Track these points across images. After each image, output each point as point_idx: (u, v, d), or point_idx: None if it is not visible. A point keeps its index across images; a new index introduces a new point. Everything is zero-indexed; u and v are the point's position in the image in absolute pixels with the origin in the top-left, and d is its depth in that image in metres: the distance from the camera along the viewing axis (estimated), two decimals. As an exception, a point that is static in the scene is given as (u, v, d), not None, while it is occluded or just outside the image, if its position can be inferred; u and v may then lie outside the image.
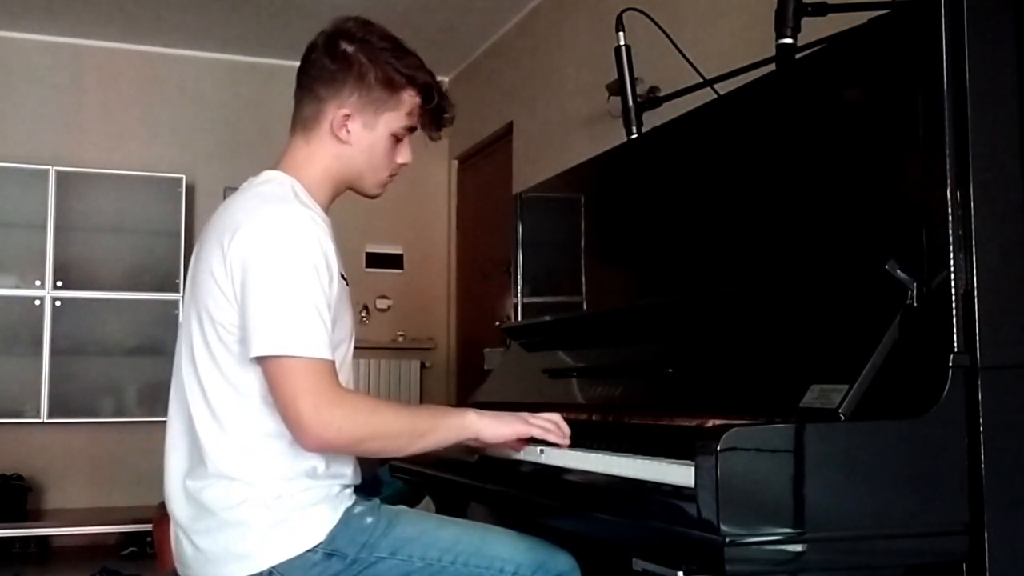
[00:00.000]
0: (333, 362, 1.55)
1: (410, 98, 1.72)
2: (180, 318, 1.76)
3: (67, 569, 4.96)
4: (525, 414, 1.69)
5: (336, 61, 1.69)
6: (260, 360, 1.54)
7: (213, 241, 1.62)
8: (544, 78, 4.84)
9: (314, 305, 1.54)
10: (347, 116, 1.69)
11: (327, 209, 1.74)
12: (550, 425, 1.68)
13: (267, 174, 1.72)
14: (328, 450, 1.59)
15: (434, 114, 1.76)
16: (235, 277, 1.57)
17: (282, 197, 1.64)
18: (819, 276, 1.61)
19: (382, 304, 6.05)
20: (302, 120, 1.73)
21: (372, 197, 1.82)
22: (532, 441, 1.72)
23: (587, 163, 2.48)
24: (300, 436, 1.52)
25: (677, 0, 3.36)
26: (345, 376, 1.68)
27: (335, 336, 1.60)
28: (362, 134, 1.71)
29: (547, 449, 1.68)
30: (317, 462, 1.60)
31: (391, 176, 1.79)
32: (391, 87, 1.70)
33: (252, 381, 1.58)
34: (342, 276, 1.67)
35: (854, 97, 1.60)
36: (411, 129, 1.75)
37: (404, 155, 1.77)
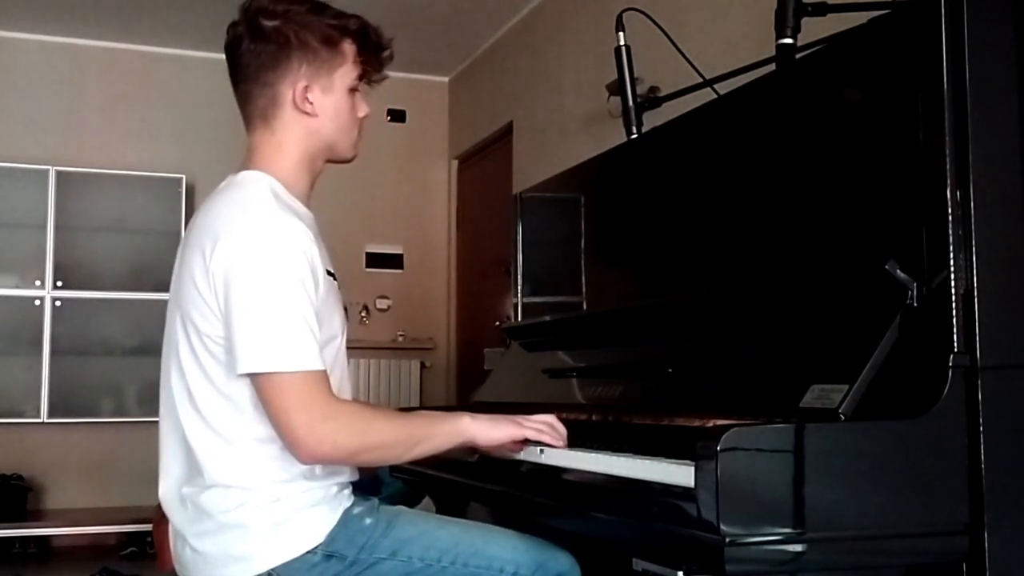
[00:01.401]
0: (324, 372, 1.53)
1: (350, 47, 1.70)
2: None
3: (67, 569, 4.96)
4: (519, 417, 1.69)
5: (270, 42, 1.65)
6: (250, 375, 1.52)
7: (194, 248, 1.59)
8: (544, 78, 4.84)
9: (301, 317, 1.52)
10: (306, 87, 1.67)
11: (309, 195, 1.72)
12: (544, 427, 1.68)
13: (243, 175, 1.67)
14: (324, 463, 1.58)
15: (374, 53, 1.74)
16: (218, 291, 1.54)
17: (262, 201, 1.59)
18: (819, 276, 1.61)
19: (382, 304, 6.05)
20: (259, 112, 1.69)
21: (348, 161, 1.79)
22: (531, 441, 1.73)
23: (587, 163, 2.48)
24: (296, 451, 1.52)
25: (677, 0, 3.36)
26: (340, 373, 1.67)
27: (325, 334, 1.58)
28: (324, 100, 1.68)
29: (547, 449, 1.68)
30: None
31: (359, 133, 1.77)
32: (331, 43, 1.68)
33: (242, 390, 1.56)
34: (329, 273, 1.66)
35: (854, 97, 1.60)
36: (361, 78, 1.73)
37: (362, 108, 1.75)
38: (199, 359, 1.58)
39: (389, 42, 1.75)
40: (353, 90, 1.72)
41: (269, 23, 1.65)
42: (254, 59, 1.66)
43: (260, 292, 1.51)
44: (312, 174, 1.74)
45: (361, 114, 1.75)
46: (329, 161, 1.76)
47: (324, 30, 1.67)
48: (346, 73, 1.70)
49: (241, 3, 1.68)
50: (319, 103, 1.68)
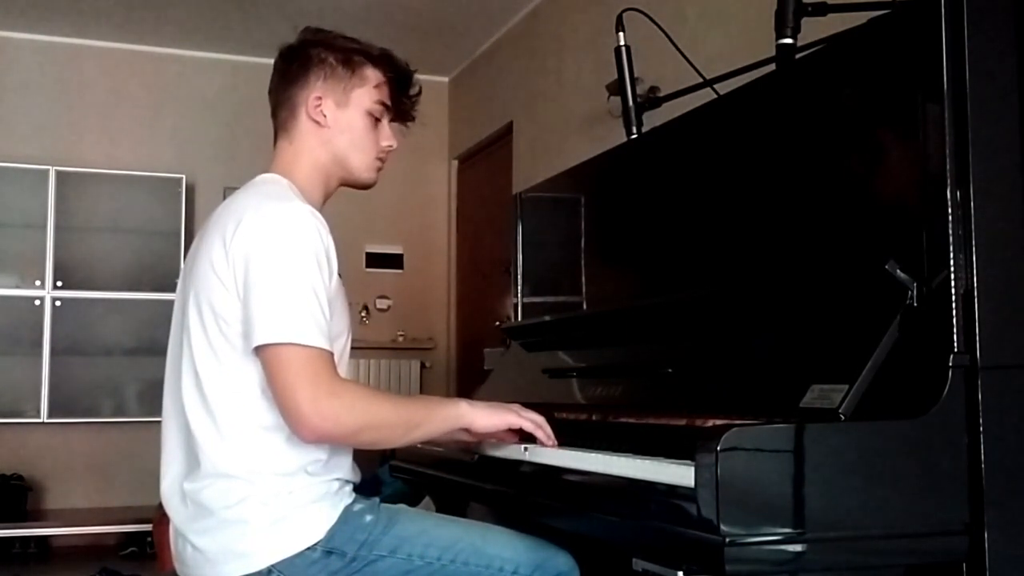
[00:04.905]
0: (331, 353, 1.56)
1: (373, 73, 1.79)
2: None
3: (67, 569, 4.96)
4: (516, 406, 1.73)
5: (295, 60, 1.78)
6: (259, 349, 1.54)
7: (214, 234, 1.64)
8: (544, 78, 4.84)
9: (314, 295, 1.56)
10: (318, 98, 1.76)
11: (320, 208, 1.76)
12: (540, 419, 1.71)
13: (262, 176, 1.76)
14: (325, 441, 1.59)
15: (399, 85, 1.82)
16: (237, 269, 1.58)
17: (282, 195, 1.67)
18: (819, 276, 1.61)
19: (382, 304, 6.05)
20: (281, 124, 1.80)
21: (366, 186, 1.85)
22: (523, 438, 1.73)
23: (587, 163, 2.48)
24: (298, 427, 1.53)
25: (677, 0, 3.36)
26: (342, 373, 1.68)
27: (333, 328, 1.61)
28: (337, 113, 1.77)
29: (543, 449, 1.68)
30: (316, 456, 1.61)
31: (380, 160, 1.83)
32: (351, 64, 1.77)
33: (252, 373, 1.58)
34: (338, 274, 1.69)
35: (854, 97, 1.60)
36: (385, 106, 1.80)
37: (387, 137, 1.82)
38: (212, 343, 1.61)
39: (414, 77, 1.85)
40: (375, 117, 1.79)
41: (299, 47, 1.80)
42: (283, 76, 1.80)
43: (278, 269, 1.56)
44: (325, 189, 1.81)
45: (384, 143, 1.82)
46: (346, 184, 1.83)
47: (345, 52, 1.78)
48: (364, 95, 1.78)
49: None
50: (331, 115, 1.76)
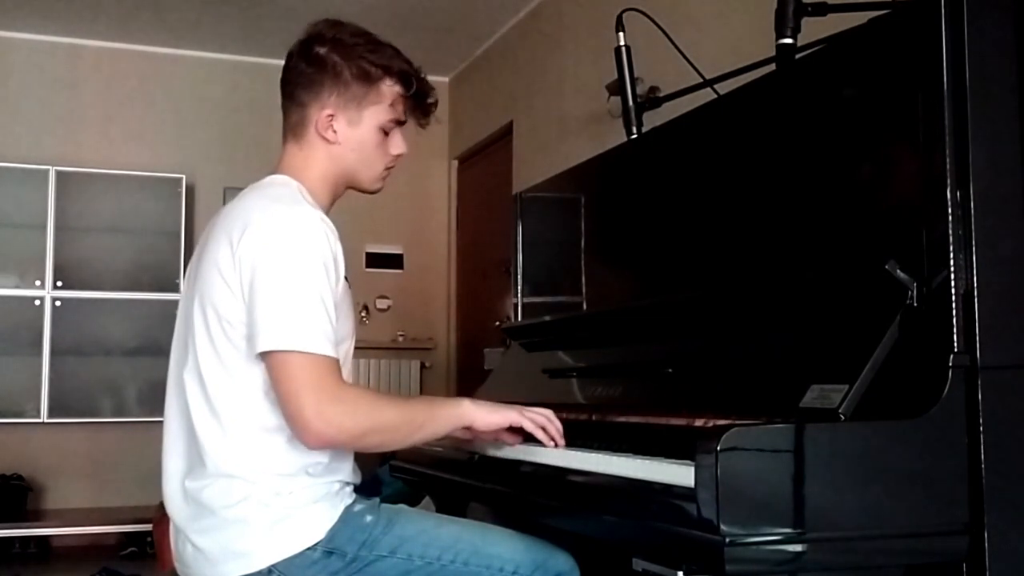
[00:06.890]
0: (336, 359, 1.56)
1: (389, 88, 1.74)
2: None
3: (67, 569, 4.96)
4: (519, 406, 1.71)
5: (312, 65, 1.72)
6: (264, 355, 1.54)
7: (221, 236, 1.63)
8: (544, 78, 4.84)
9: (321, 301, 1.55)
10: (330, 116, 1.72)
11: (328, 211, 1.75)
12: (542, 420, 1.70)
13: (272, 178, 1.74)
14: (330, 446, 1.59)
15: (417, 100, 1.78)
16: (244, 274, 1.58)
17: (291, 199, 1.65)
18: (819, 276, 1.61)
19: (382, 304, 6.05)
20: (291, 127, 1.76)
21: (373, 192, 1.84)
22: (526, 439, 1.73)
23: (587, 163, 2.48)
24: (302, 433, 1.53)
25: (677, 0, 3.35)
26: (346, 374, 1.69)
27: (337, 334, 1.60)
28: (348, 132, 1.73)
29: (547, 449, 1.68)
30: (317, 458, 1.61)
31: (388, 168, 1.81)
32: (368, 80, 1.72)
33: (256, 376, 1.58)
34: (344, 277, 1.69)
35: (854, 97, 1.60)
36: (399, 121, 1.77)
37: (397, 146, 1.79)
38: (216, 345, 1.60)
39: (433, 92, 1.80)
40: (386, 129, 1.75)
41: (317, 48, 1.72)
42: (295, 77, 1.74)
43: (285, 275, 1.55)
44: (333, 194, 1.79)
45: (395, 151, 1.79)
46: (353, 189, 1.81)
47: (364, 67, 1.71)
48: (378, 112, 1.74)
49: (311, 23, 1.75)
50: (343, 133, 1.73)
